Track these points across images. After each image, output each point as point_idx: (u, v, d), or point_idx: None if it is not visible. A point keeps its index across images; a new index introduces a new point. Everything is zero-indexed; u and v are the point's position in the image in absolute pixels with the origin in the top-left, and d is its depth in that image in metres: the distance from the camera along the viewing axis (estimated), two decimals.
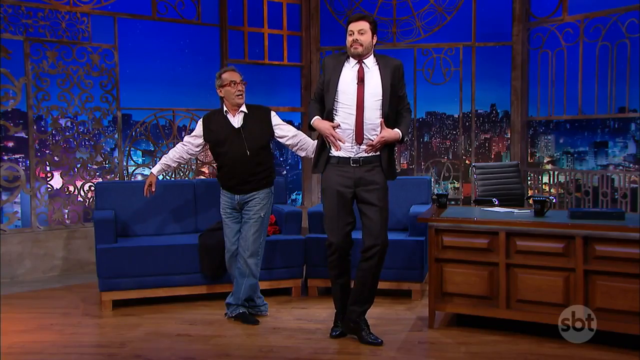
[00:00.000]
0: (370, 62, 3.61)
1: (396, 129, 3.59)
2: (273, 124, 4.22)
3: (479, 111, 7.07)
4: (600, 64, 6.08)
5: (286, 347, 3.69)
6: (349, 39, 3.58)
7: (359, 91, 3.55)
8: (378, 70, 3.59)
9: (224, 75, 4.15)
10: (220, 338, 3.88)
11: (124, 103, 6.11)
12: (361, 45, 3.54)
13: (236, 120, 4.13)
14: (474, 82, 6.86)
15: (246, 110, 4.17)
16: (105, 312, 4.42)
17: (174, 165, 4.40)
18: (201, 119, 4.29)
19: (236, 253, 4.19)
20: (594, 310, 3.57)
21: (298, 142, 4.26)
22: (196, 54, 7.01)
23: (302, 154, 4.31)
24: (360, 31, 3.54)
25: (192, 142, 4.31)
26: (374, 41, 3.62)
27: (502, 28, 6.77)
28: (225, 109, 4.17)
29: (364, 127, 3.55)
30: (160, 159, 6.31)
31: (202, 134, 4.24)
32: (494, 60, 6.99)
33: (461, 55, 6.85)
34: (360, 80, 3.56)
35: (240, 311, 4.20)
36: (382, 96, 3.56)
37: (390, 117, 3.59)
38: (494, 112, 7.69)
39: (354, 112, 3.55)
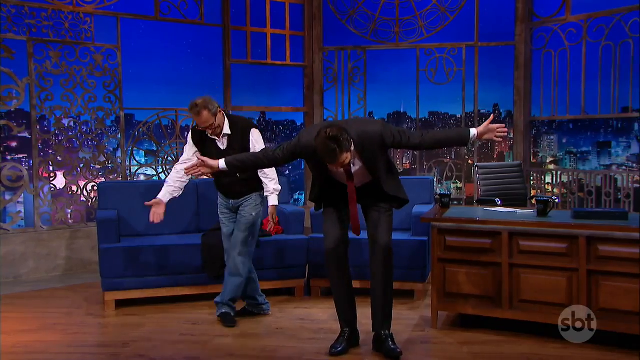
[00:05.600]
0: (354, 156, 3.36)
1: None
2: (250, 140, 4.03)
3: (481, 111, 7.06)
4: (603, 64, 6.06)
5: (289, 347, 3.69)
6: (330, 168, 3.33)
7: (350, 188, 3.43)
8: (361, 160, 3.40)
9: (193, 116, 3.92)
10: (224, 338, 3.88)
11: (127, 103, 6.11)
12: (342, 166, 3.29)
13: (221, 143, 4.03)
14: (476, 82, 6.85)
15: (229, 132, 4.00)
16: (108, 312, 4.43)
17: (177, 185, 4.11)
18: (190, 134, 4.11)
19: None
20: (597, 311, 3.56)
21: (263, 173, 4.10)
22: (199, 54, 7.02)
23: (263, 179, 4.14)
24: (348, 163, 3.28)
25: (186, 156, 4.10)
26: (351, 151, 3.25)
27: (505, 28, 6.76)
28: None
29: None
30: (162, 160, 6.36)
31: (193, 145, 4.09)
32: (497, 60, 6.98)
33: (464, 55, 6.85)
34: (350, 178, 3.42)
35: (223, 311, 4.16)
36: (373, 176, 3.45)
37: (381, 175, 3.47)
38: (496, 112, 7.67)
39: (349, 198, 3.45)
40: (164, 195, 4.08)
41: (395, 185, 3.59)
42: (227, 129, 4.00)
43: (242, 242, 4.08)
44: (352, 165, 3.41)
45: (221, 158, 3.74)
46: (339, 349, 3.57)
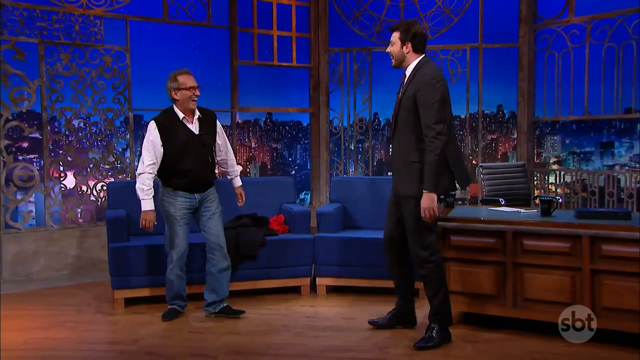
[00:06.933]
0: (410, 72, 3.59)
1: (423, 191, 3.49)
2: (217, 128, 4.26)
3: (485, 112, 7.10)
4: (606, 65, 6.10)
5: (295, 345, 3.74)
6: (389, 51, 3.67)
7: (396, 104, 3.64)
8: (407, 82, 3.59)
9: (181, 79, 4.02)
10: (231, 335, 3.93)
11: (136, 104, 6.18)
12: (392, 57, 3.62)
13: (194, 127, 4.10)
14: (480, 83, 6.89)
15: (200, 114, 4.13)
16: (117, 310, 4.48)
17: (152, 187, 4.10)
18: (155, 128, 4.03)
19: (186, 254, 4.24)
20: (601, 310, 3.60)
21: (226, 160, 4.39)
22: (206, 55, 7.08)
23: (225, 169, 4.45)
24: (390, 43, 3.63)
25: (153, 156, 4.02)
26: (407, 49, 3.56)
27: (509, 29, 6.79)
28: (181, 115, 4.07)
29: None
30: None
31: (161, 142, 4.03)
32: (501, 61, 7.01)
33: (468, 57, 6.89)
34: (399, 92, 3.65)
35: (224, 305, 4.28)
36: (398, 109, 3.60)
37: (404, 131, 3.57)
38: (500, 112, 7.71)
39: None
40: (152, 204, 4.07)
41: (412, 169, 3.55)
42: (197, 113, 4.15)
43: (223, 236, 4.25)
44: (406, 78, 3.57)
45: (196, 141, 4.01)
46: (378, 322, 3.92)
